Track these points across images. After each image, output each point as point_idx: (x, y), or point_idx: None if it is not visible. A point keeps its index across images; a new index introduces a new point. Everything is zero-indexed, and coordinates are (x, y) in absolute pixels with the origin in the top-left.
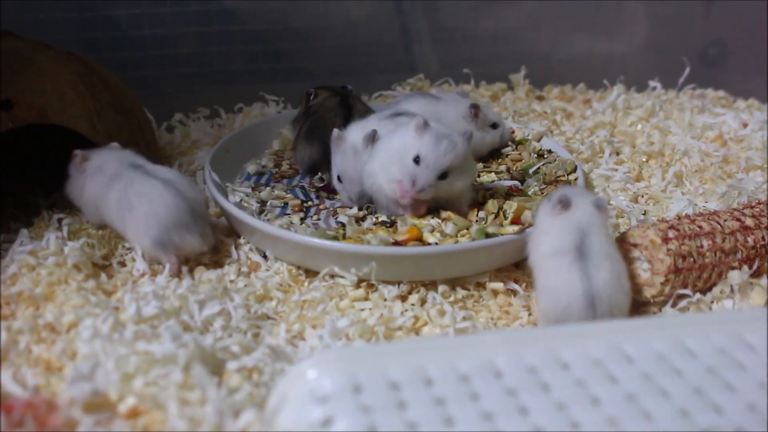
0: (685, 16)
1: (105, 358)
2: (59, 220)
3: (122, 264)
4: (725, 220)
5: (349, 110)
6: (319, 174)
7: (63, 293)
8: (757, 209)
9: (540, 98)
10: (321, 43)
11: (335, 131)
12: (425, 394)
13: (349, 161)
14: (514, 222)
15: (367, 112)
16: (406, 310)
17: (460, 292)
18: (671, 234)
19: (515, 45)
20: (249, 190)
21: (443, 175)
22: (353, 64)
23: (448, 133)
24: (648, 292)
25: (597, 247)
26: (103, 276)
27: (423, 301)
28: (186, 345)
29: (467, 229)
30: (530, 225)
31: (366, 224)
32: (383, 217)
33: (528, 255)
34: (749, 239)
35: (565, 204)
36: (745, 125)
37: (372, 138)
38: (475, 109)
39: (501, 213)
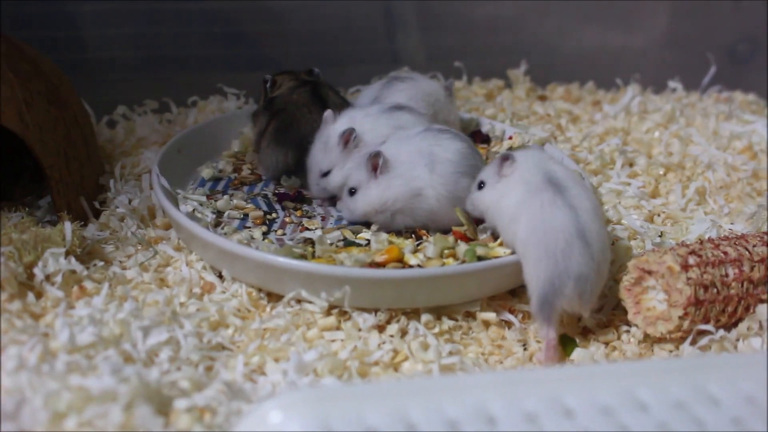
0: (711, 7)
1: (32, 393)
2: None
3: (50, 281)
4: (754, 246)
5: (324, 104)
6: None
7: None
8: None
9: (542, 98)
10: (290, 27)
11: (328, 113)
12: None
13: (317, 150)
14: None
15: (342, 104)
16: (384, 343)
17: (447, 323)
18: (692, 260)
19: (515, 35)
20: (203, 199)
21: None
22: (327, 52)
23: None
24: (664, 327)
25: (566, 177)
26: (30, 296)
27: (403, 332)
28: (127, 380)
29: (452, 248)
30: None
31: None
32: (348, 234)
33: (500, 230)
34: None
35: (511, 159)
36: None
37: (348, 138)
38: (451, 86)
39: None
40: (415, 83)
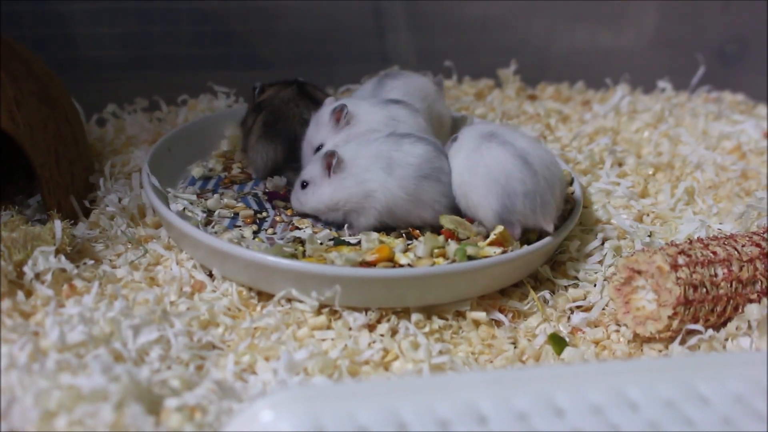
0: (701, 7)
1: (22, 392)
2: None
3: (40, 280)
4: (743, 246)
5: (310, 99)
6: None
7: None
8: None
9: (532, 98)
10: (280, 26)
11: (329, 98)
12: None
13: (311, 127)
14: (494, 244)
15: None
16: (374, 342)
17: (437, 322)
18: (681, 260)
19: (505, 35)
20: (194, 197)
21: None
22: (317, 51)
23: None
24: (653, 327)
25: (502, 129)
26: (20, 294)
27: (394, 332)
28: (118, 378)
29: (442, 248)
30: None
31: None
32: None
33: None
34: None
35: (453, 138)
36: (767, 135)
37: (340, 115)
38: (441, 82)
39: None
40: (406, 80)
